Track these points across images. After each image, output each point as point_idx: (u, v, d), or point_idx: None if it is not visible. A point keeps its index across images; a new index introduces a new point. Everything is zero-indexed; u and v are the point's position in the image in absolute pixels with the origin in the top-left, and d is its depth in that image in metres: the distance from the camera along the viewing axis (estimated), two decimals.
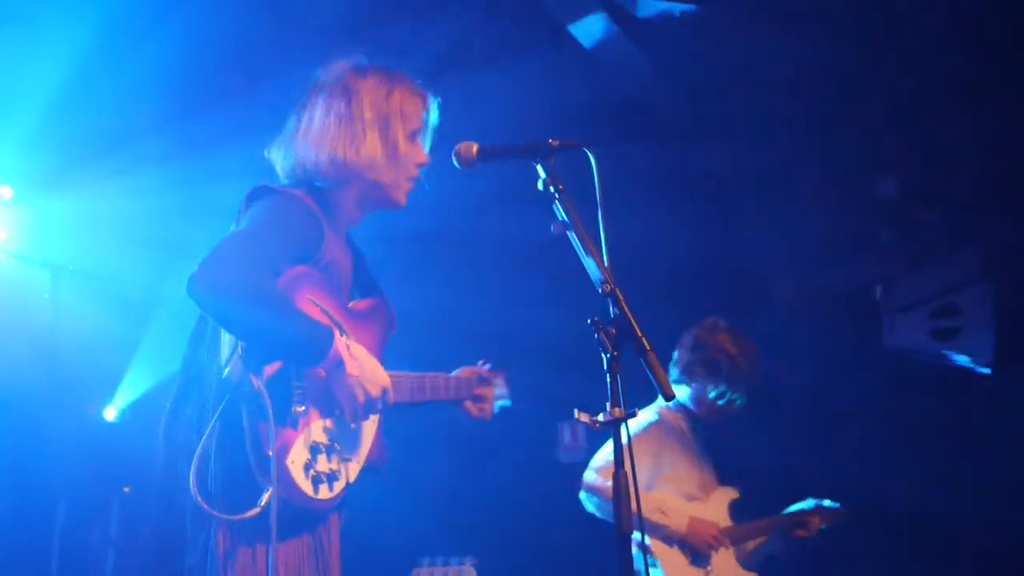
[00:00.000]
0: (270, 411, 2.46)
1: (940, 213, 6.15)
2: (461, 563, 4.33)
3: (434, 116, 3.00)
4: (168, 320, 5.49)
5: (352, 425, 2.73)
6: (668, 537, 4.38)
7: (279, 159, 2.92)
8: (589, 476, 4.48)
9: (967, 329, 6.27)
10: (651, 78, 5.61)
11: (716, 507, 4.62)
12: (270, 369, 2.54)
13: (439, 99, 3.02)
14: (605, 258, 2.40)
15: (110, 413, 6.00)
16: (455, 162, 2.67)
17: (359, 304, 2.95)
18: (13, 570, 5.35)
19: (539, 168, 2.56)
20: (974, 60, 5.10)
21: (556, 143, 2.55)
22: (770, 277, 6.65)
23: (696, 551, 4.42)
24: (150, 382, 5.81)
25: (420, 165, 2.95)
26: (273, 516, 2.45)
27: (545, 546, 6.00)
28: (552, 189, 2.52)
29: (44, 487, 5.37)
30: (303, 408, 2.58)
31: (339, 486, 2.67)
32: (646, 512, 4.31)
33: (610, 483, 4.29)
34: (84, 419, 5.79)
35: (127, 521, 5.81)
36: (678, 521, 4.38)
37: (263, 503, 2.46)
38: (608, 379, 2.32)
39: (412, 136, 2.92)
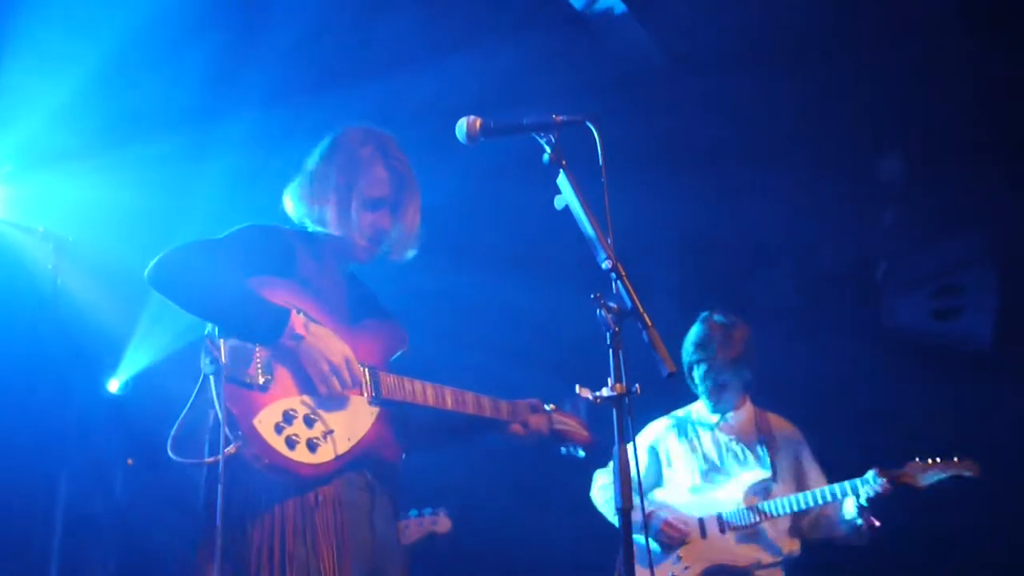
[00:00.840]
0: (223, 374, 2.64)
1: (943, 192, 6.12)
2: (436, 513, 4.37)
3: (413, 195, 3.12)
4: None
5: (328, 395, 2.81)
6: None
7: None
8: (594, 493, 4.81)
9: (969, 309, 6.26)
10: (653, 51, 5.58)
11: (726, 494, 4.59)
12: (233, 341, 2.71)
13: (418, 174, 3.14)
14: (608, 233, 2.41)
15: (113, 385, 6.03)
16: (459, 136, 2.66)
17: (365, 322, 3.08)
18: (17, 541, 5.38)
19: (543, 143, 2.56)
20: (977, 35, 5.07)
21: (560, 118, 2.56)
22: (772, 255, 6.63)
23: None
24: (153, 355, 5.83)
25: (379, 230, 3.07)
26: (221, 466, 2.60)
27: (531, 520, 6.03)
28: (556, 164, 2.52)
29: (47, 458, 5.40)
30: (269, 376, 2.73)
31: (324, 453, 2.75)
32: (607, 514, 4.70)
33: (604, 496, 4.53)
34: (87, 391, 5.81)
35: (130, 493, 5.85)
36: None
37: (225, 452, 2.61)
38: (610, 354, 2.32)
39: (371, 202, 3.05)
